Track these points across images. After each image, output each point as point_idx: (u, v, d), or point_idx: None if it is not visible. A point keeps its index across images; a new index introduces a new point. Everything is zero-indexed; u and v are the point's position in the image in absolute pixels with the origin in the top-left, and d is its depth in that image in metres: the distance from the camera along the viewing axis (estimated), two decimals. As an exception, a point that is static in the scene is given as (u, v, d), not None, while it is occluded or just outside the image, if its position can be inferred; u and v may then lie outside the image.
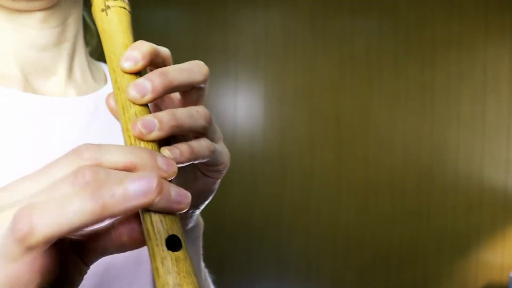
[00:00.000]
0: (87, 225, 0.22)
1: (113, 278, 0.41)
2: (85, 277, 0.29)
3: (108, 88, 0.51)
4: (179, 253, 0.26)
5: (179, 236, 0.26)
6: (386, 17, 2.53)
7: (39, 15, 0.43)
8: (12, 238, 0.21)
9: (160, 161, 0.26)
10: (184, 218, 0.40)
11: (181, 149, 0.30)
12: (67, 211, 0.21)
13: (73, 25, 0.47)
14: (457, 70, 2.52)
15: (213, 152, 0.33)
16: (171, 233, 0.26)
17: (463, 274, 2.53)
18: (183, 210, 0.26)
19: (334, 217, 2.54)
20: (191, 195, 0.37)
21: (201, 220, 0.48)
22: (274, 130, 2.54)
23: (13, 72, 0.43)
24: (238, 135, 2.53)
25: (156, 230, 0.26)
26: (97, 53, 0.56)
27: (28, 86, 0.44)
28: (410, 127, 2.52)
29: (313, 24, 2.54)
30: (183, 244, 0.26)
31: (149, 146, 0.29)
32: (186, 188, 0.37)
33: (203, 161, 0.32)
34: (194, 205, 0.39)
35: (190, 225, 0.43)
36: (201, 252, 0.50)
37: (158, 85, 0.29)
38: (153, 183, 0.23)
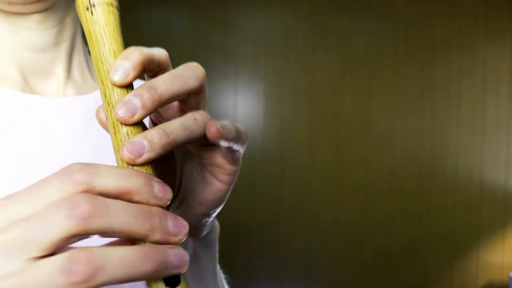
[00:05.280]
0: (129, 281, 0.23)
1: None
2: None
3: None
4: None
5: None
6: (386, 17, 2.53)
7: (36, 17, 0.43)
8: (64, 279, 0.21)
9: (156, 188, 0.25)
10: (197, 227, 0.39)
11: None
12: (128, 266, 0.22)
13: (71, 25, 0.47)
14: (457, 70, 2.52)
15: (218, 129, 0.30)
16: None
17: (463, 274, 2.52)
18: (180, 241, 0.25)
19: (334, 217, 2.54)
20: (202, 203, 0.37)
21: (216, 224, 0.47)
22: (274, 130, 2.54)
23: (11, 73, 0.43)
24: (238, 135, 2.52)
25: None
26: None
27: (26, 86, 0.43)
28: (410, 127, 2.52)
29: (313, 24, 2.54)
30: (181, 278, 0.26)
31: (143, 168, 0.27)
32: (197, 196, 0.37)
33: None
34: (206, 213, 0.38)
35: (205, 232, 0.42)
36: (217, 256, 0.49)
37: (148, 101, 0.27)
38: (186, 257, 0.25)
